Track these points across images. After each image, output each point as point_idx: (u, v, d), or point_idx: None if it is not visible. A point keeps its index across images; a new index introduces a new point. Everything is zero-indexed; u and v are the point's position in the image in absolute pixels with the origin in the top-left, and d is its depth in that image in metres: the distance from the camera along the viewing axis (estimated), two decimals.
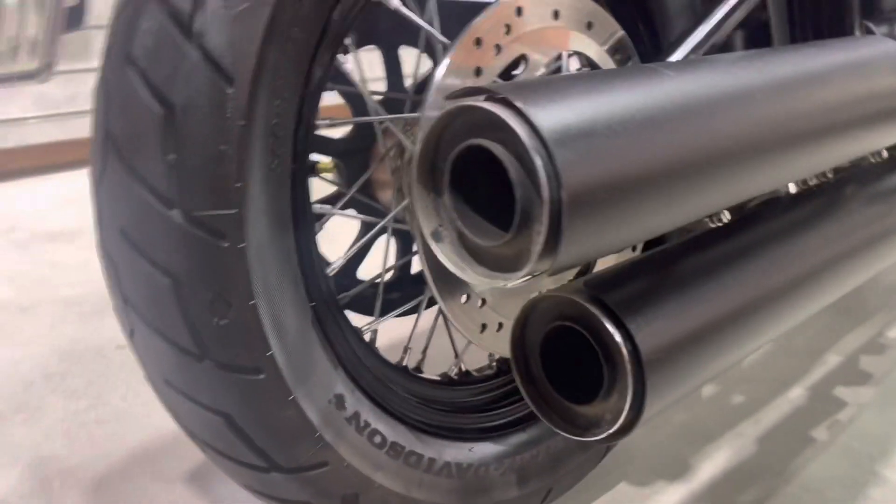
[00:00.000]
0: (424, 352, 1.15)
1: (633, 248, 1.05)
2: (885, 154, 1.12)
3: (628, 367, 0.71)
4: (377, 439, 0.93)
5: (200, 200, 0.74)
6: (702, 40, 1.05)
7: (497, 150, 0.60)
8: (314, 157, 0.86)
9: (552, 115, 0.58)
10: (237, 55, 0.73)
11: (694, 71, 0.74)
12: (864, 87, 0.83)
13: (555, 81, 0.62)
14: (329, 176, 1.12)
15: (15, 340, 1.74)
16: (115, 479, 1.24)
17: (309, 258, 0.88)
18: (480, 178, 0.64)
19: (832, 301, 0.91)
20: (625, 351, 0.71)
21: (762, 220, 0.87)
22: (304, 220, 0.87)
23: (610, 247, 0.62)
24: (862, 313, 1.97)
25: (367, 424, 0.92)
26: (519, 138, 0.57)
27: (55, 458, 1.29)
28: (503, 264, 0.64)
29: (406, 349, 1.08)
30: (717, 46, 1.09)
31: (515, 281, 0.62)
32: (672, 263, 0.77)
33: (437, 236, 0.68)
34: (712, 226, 0.82)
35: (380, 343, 1.05)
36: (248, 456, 0.83)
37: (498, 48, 0.92)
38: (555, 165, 0.57)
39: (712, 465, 1.35)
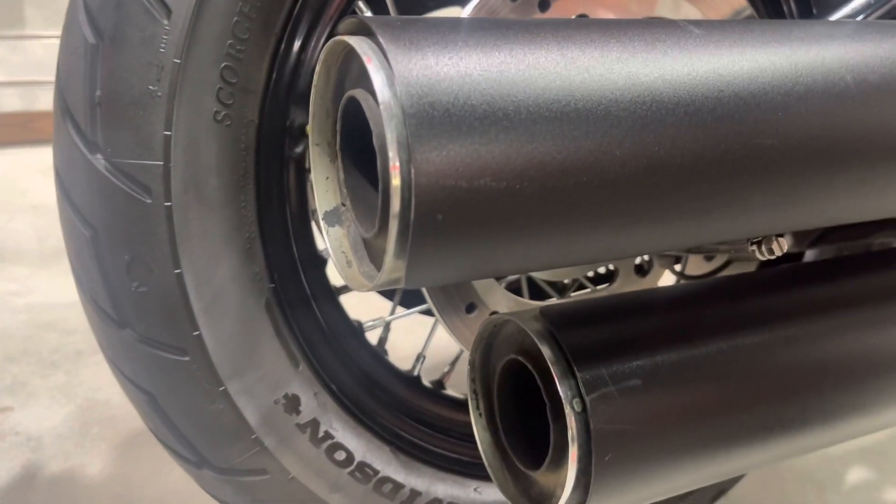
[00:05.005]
0: (453, 365, 0.99)
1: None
2: None
3: (573, 432, 0.51)
4: (340, 455, 0.79)
5: (124, 147, 0.64)
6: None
7: (365, 104, 0.43)
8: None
9: (420, 66, 0.40)
10: None
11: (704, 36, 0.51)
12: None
13: (464, 24, 0.44)
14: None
15: None
16: (148, 438, 1.21)
17: (283, 236, 0.76)
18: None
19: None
20: (570, 409, 0.51)
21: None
22: (277, 192, 0.75)
23: (478, 263, 0.42)
24: None
25: (327, 436, 0.78)
26: (373, 89, 0.40)
27: (106, 404, 1.29)
28: (375, 260, 0.48)
29: (420, 357, 0.92)
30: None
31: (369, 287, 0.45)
32: (671, 309, 0.55)
33: (332, 218, 0.53)
34: (755, 259, 0.57)
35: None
36: (176, 444, 0.74)
37: (544, 4, 0.73)
38: (408, 140, 0.39)
39: None
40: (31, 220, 2.10)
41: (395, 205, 0.40)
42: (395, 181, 0.39)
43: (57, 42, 0.67)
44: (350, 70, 0.48)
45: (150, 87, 0.63)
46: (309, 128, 0.51)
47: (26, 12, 2.86)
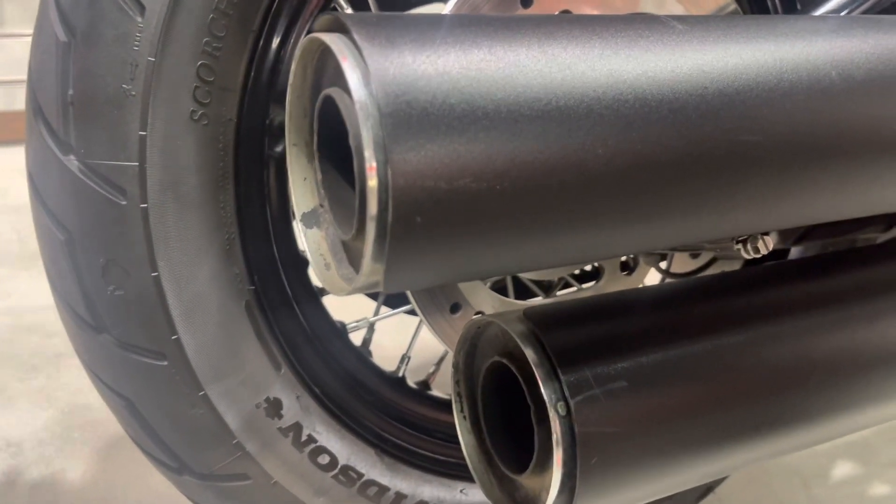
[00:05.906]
0: (438, 365, 0.98)
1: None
2: None
3: (557, 435, 0.50)
4: (323, 459, 0.78)
5: (98, 147, 0.63)
6: None
7: (341, 104, 0.42)
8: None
9: (397, 64, 0.39)
10: None
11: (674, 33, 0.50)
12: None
13: (443, 20, 0.42)
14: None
15: None
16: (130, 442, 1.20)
17: (263, 237, 0.75)
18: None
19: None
20: (554, 413, 0.50)
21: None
22: (257, 191, 0.73)
23: (453, 265, 0.41)
24: None
25: (310, 440, 0.77)
26: (348, 88, 0.39)
27: (88, 408, 1.27)
28: (354, 263, 0.47)
29: (404, 357, 0.91)
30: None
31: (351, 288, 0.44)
32: (656, 310, 0.54)
33: (310, 220, 0.51)
34: (740, 258, 0.57)
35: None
36: (157, 451, 0.72)
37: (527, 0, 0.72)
38: (385, 140, 0.38)
39: None
40: (11, 220, 2.08)
41: (373, 207, 0.39)
42: (372, 182, 0.38)
43: None
44: (326, 68, 0.46)
45: (125, 85, 0.62)
46: (286, 127, 0.50)
47: (6, 10, 2.83)
